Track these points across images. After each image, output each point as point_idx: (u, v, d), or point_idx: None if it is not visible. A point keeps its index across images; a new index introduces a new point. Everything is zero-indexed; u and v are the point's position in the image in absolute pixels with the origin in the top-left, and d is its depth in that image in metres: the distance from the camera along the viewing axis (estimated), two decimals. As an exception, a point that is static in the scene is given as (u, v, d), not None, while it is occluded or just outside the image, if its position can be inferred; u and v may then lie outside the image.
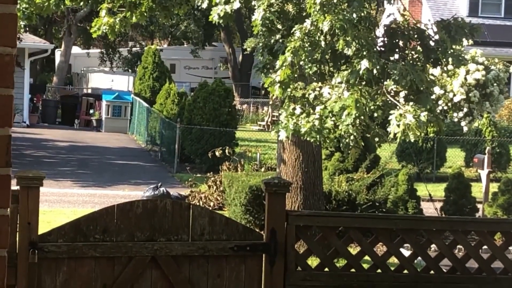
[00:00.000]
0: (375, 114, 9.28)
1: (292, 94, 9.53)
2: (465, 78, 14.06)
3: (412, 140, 9.23)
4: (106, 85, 42.08)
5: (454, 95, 13.85)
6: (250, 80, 48.75)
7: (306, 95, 9.47)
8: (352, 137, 9.14)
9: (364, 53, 8.97)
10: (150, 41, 54.69)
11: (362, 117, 9.04)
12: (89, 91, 42.47)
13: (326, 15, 9.10)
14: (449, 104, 13.25)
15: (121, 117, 33.87)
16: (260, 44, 10.47)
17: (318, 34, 9.26)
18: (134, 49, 48.50)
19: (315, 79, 9.70)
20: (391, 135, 9.17)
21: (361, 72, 8.99)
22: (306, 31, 9.27)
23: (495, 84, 14.41)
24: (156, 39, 57.08)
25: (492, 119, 25.02)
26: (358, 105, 8.88)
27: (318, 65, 9.43)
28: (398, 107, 9.21)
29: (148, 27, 47.80)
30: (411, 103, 9.25)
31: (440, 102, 14.26)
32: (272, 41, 10.21)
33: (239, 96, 43.70)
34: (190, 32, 50.98)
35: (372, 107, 9.15)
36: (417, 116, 8.96)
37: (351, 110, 8.91)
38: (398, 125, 8.99)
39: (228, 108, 25.16)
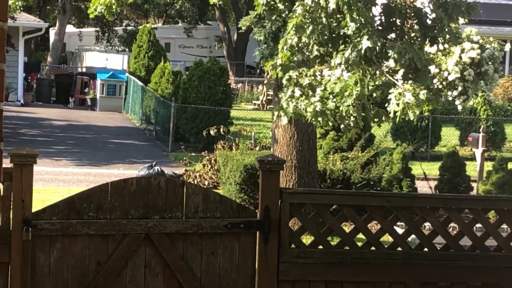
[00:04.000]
0: (374, 94, 9.25)
1: (297, 82, 9.46)
2: (460, 57, 14.02)
3: (412, 118, 9.22)
4: (100, 64, 41.99)
5: (449, 73, 13.81)
6: (245, 59, 48.67)
7: (308, 81, 9.43)
8: (352, 118, 9.12)
9: (365, 31, 8.93)
10: (145, 20, 54.53)
11: (361, 97, 9.01)
12: (84, 70, 42.39)
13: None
14: (444, 82, 13.22)
15: (115, 96, 33.82)
16: (264, 30, 10.44)
17: (319, 11, 9.22)
18: (128, 28, 48.37)
19: (316, 60, 9.66)
20: (391, 114, 9.14)
21: (363, 51, 8.94)
22: (307, 8, 9.23)
23: (490, 63, 14.36)
24: (150, 17, 56.91)
25: (487, 98, 25.01)
26: (359, 84, 8.85)
27: (318, 47, 9.39)
28: (397, 86, 9.18)
29: (143, 5, 47.66)
30: (410, 82, 9.23)
31: (435, 80, 14.21)
32: (275, 27, 10.17)
33: (234, 75, 43.65)
34: (185, 11, 50.84)
35: (371, 87, 9.12)
36: (416, 95, 8.94)
37: (351, 91, 8.88)
38: (398, 104, 8.96)
39: (223, 87, 25.13)
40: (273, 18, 10.15)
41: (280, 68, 9.44)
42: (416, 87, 9.09)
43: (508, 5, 37.35)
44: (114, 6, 13.62)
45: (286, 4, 9.95)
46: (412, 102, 8.89)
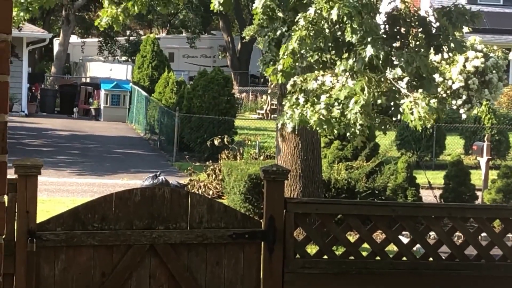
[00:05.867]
0: (379, 101, 9.22)
1: (302, 87, 9.44)
2: (464, 66, 14.02)
3: (428, 126, 9.19)
4: (104, 74, 42.04)
5: (453, 82, 13.81)
6: (249, 69, 48.70)
7: (309, 86, 9.41)
8: (358, 126, 9.09)
9: (369, 39, 8.92)
10: (149, 30, 54.63)
11: (367, 105, 8.98)
12: (88, 80, 42.43)
13: (331, 2, 9.05)
14: (448, 91, 13.23)
15: (119, 106, 33.84)
16: (266, 38, 10.43)
17: (323, 22, 9.21)
18: (131, 38, 48.45)
19: (316, 67, 9.65)
20: (411, 125, 9.10)
21: (366, 58, 8.93)
22: (310, 19, 9.22)
23: (494, 72, 14.36)
24: (154, 27, 57.01)
25: (491, 107, 25.00)
26: (366, 91, 8.83)
27: (320, 54, 9.38)
28: (406, 95, 9.16)
29: (147, 16, 47.72)
30: (420, 90, 9.22)
31: (439, 89, 14.23)
32: (278, 33, 10.15)
33: (238, 85, 43.67)
34: (188, 21, 50.92)
35: (376, 94, 9.10)
36: (427, 102, 8.93)
37: (358, 98, 8.86)
38: (412, 113, 8.93)
39: (227, 96, 25.13)
40: (275, 25, 10.13)
41: (281, 74, 9.43)
42: (426, 95, 9.09)
43: (512, 13, 37.34)
44: (120, 18, 13.69)
45: (288, 13, 9.94)
46: (426, 110, 8.87)
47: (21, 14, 16.31)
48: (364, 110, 8.91)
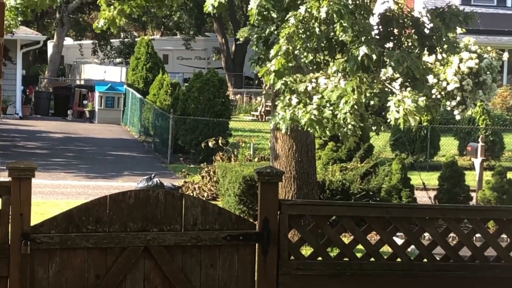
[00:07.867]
0: (371, 102, 9.22)
1: (292, 87, 9.45)
2: (458, 67, 14.02)
3: (413, 124, 9.20)
4: (99, 76, 42.00)
5: (448, 83, 13.80)
6: (243, 70, 48.71)
7: (304, 88, 9.40)
8: (350, 126, 9.09)
9: (363, 39, 8.92)
10: (143, 32, 54.62)
11: (359, 105, 8.98)
12: (82, 82, 42.40)
13: (321, 1, 9.05)
14: (442, 92, 13.21)
15: (114, 108, 33.80)
16: (255, 36, 10.41)
17: (313, 21, 9.21)
18: (125, 40, 48.44)
19: (310, 68, 9.64)
20: (392, 122, 9.11)
21: (359, 58, 8.92)
22: (300, 18, 9.22)
23: (488, 73, 14.36)
24: (148, 29, 57.01)
25: (485, 108, 25.04)
26: (356, 91, 8.83)
27: (313, 54, 9.36)
28: (395, 94, 9.16)
29: (141, 17, 47.72)
30: (408, 89, 9.22)
31: (433, 91, 14.25)
32: (267, 32, 10.15)
33: (232, 86, 43.68)
34: (182, 23, 50.93)
35: (368, 95, 9.10)
36: (415, 101, 8.93)
37: (349, 98, 8.87)
38: (398, 111, 8.94)
39: (221, 98, 25.13)
40: (266, 24, 10.12)
41: (274, 74, 9.42)
42: (415, 94, 9.09)
43: (506, 14, 37.42)
44: (117, 20, 13.70)
45: (281, 13, 9.93)
46: (412, 108, 8.87)
47: (19, 18, 16.31)
48: (354, 110, 8.90)
